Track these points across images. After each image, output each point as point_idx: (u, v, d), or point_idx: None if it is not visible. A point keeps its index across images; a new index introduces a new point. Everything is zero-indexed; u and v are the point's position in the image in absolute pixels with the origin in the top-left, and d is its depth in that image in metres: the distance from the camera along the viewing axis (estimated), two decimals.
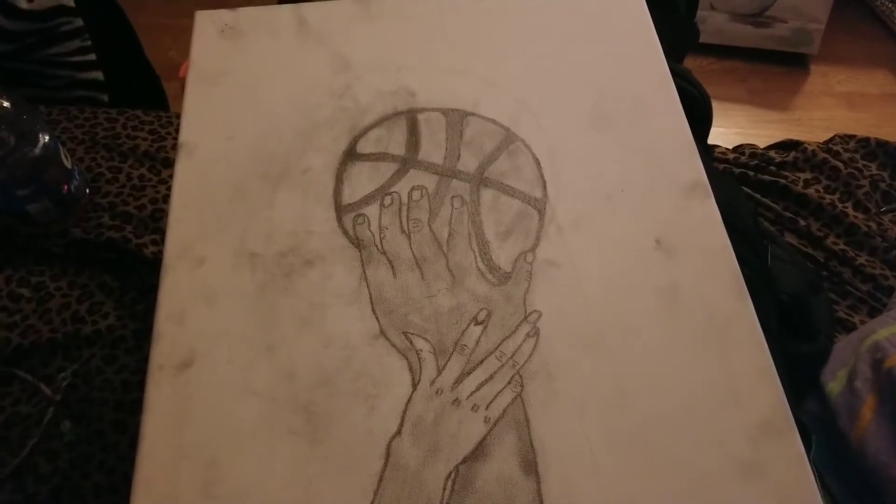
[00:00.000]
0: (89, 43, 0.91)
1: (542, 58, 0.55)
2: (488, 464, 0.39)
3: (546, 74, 0.54)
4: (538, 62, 0.54)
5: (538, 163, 0.49)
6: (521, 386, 0.41)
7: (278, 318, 0.43)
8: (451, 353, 0.42)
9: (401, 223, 0.47)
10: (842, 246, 0.86)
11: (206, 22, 0.56)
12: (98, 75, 0.93)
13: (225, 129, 0.51)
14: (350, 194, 0.48)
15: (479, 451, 0.39)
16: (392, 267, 0.45)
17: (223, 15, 0.56)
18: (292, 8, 0.57)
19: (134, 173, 0.79)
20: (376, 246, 0.46)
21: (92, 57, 0.92)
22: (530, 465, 0.39)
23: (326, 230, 0.47)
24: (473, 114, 0.52)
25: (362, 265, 0.45)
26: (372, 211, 0.48)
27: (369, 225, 0.47)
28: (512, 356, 0.42)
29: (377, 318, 0.43)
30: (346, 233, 0.47)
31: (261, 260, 0.45)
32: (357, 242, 0.46)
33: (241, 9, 0.57)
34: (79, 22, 0.89)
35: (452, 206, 0.48)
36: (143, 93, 1.07)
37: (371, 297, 0.44)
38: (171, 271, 0.44)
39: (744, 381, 0.41)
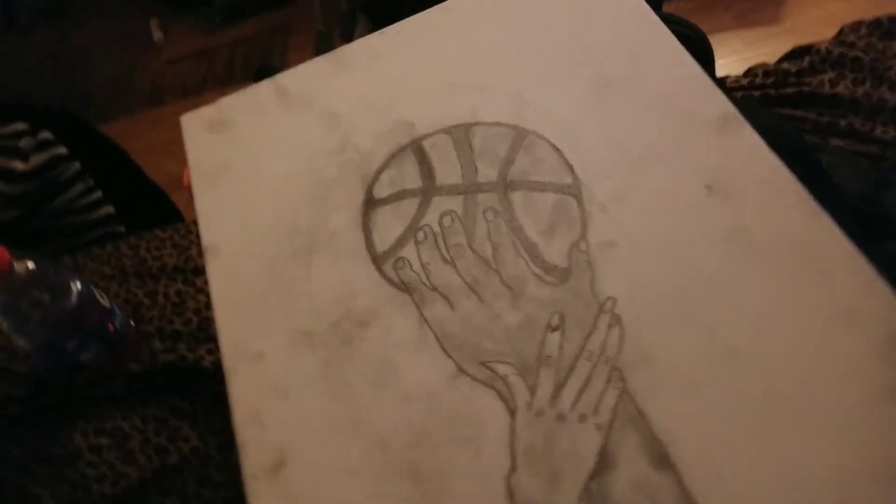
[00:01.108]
0: (92, 182, 0.92)
1: (526, 48, 0.53)
2: (617, 472, 0.36)
3: (534, 62, 0.52)
4: (523, 53, 0.52)
5: (557, 149, 0.47)
6: (623, 380, 0.38)
7: (352, 388, 0.41)
8: (538, 369, 0.40)
9: (441, 254, 0.45)
10: (892, 133, 0.82)
11: (192, 123, 0.56)
12: (109, 210, 0.95)
13: (242, 220, 0.50)
14: (382, 242, 0.47)
15: (603, 462, 0.36)
16: (447, 300, 0.43)
17: (206, 112, 0.56)
18: (269, 82, 0.56)
19: (170, 291, 0.79)
20: (425, 284, 0.44)
21: (99, 195, 0.93)
22: (663, 459, 0.36)
23: (370, 285, 0.45)
24: (476, 123, 0.50)
25: (417, 308, 0.43)
26: (409, 251, 0.46)
27: (411, 266, 0.45)
28: (602, 352, 0.39)
29: (450, 357, 0.41)
30: (390, 281, 0.45)
31: (316, 337, 0.43)
32: (405, 287, 0.44)
33: (221, 100, 0.56)
34: (76, 166, 0.90)
35: (486, 220, 0.45)
36: (156, 212, 1.08)
37: (437, 337, 0.42)
38: (235, 375, 0.43)
39: (854, 300, 0.37)
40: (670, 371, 0.38)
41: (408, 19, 0.57)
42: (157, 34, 2.25)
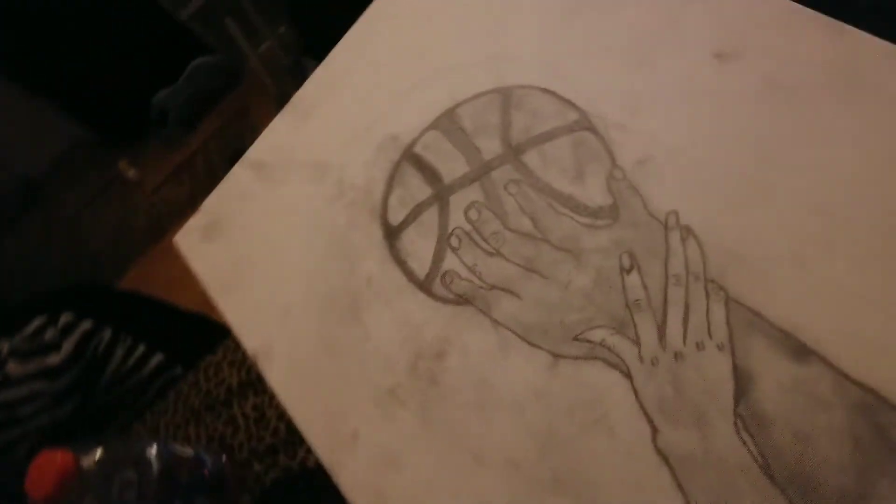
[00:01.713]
0: (131, 340, 0.92)
1: (467, 10, 0.49)
2: (762, 384, 0.32)
3: (484, 19, 0.48)
4: (468, 17, 0.49)
5: (548, 91, 0.44)
6: (722, 288, 0.35)
7: (458, 424, 0.38)
8: (633, 318, 0.36)
9: (483, 249, 0.42)
10: None
11: (187, 241, 0.54)
12: (159, 358, 0.94)
13: (275, 310, 0.48)
14: (421, 266, 0.44)
15: (742, 381, 0.33)
16: (510, 292, 0.40)
17: (195, 223, 0.54)
18: (241, 165, 0.54)
19: (246, 410, 0.77)
20: (481, 287, 0.41)
21: (142, 349, 0.93)
22: (800, 350, 0.32)
23: (429, 313, 0.42)
24: (457, 105, 0.47)
25: (484, 314, 0.40)
26: (451, 262, 0.43)
27: (459, 276, 0.42)
28: (688, 271, 0.36)
29: (539, 348, 0.38)
30: (446, 300, 0.42)
31: (401, 389, 0.41)
32: (462, 299, 0.41)
33: (204, 203, 0.54)
34: (108, 333, 0.89)
35: (511, 193, 0.42)
36: (202, 337, 1.07)
37: (517, 334, 0.39)
38: (339, 467, 0.40)
39: None
40: (766, 258, 0.34)
41: (341, 42, 0.54)
42: (131, 172, 2.28)
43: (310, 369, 0.45)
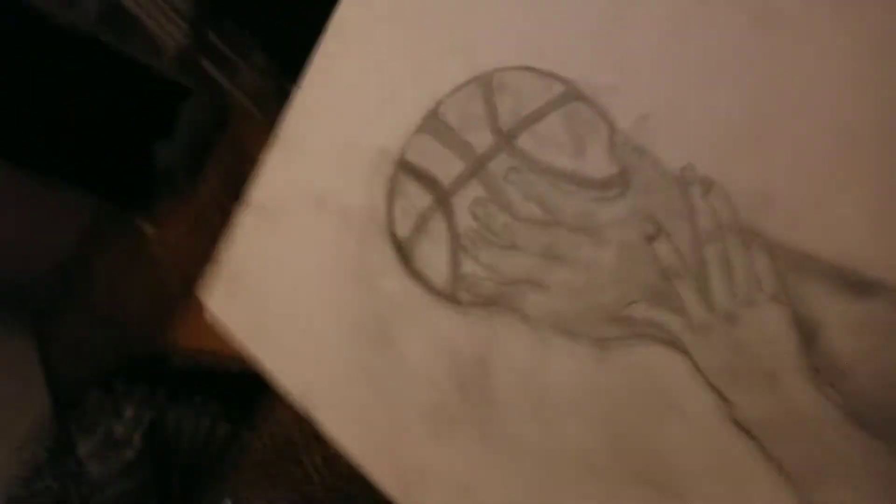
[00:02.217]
0: (193, 414, 0.91)
1: (426, 15, 0.47)
2: (828, 329, 0.30)
3: (444, 14, 0.45)
4: (429, 24, 0.46)
5: (528, 68, 0.41)
6: (759, 234, 0.32)
7: (520, 437, 0.36)
8: (672, 287, 0.33)
9: (496, 244, 0.40)
10: None
11: (213, 297, 0.53)
12: (226, 428, 0.93)
13: (308, 349, 0.47)
14: (439, 275, 0.42)
15: (807, 332, 0.30)
16: (534, 283, 0.38)
17: (213, 279, 0.53)
18: (244, 210, 0.53)
19: (315, 460, 0.77)
20: (503, 284, 0.39)
21: (207, 422, 0.92)
22: (861, 284, 0.29)
23: (460, 322, 0.40)
24: (439, 103, 0.44)
25: (514, 311, 0.38)
26: (468, 265, 0.41)
27: (480, 277, 0.40)
28: (718, 225, 0.33)
29: (581, 334, 0.36)
30: (473, 303, 0.40)
31: (453, 409, 0.39)
32: (489, 299, 0.39)
33: (220, 256, 0.54)
34: (171, 415, 0.89)
35: (512, 182, 0.40)
36: (257, 388, 1.07)
37: (553, 325, 0.37)
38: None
39: None
40: (798, 193, 0.31)
41: (312, 64, 0.52)
42: (149, 229, 2.30)
43: (355, 405, 0.43)
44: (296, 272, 0.50)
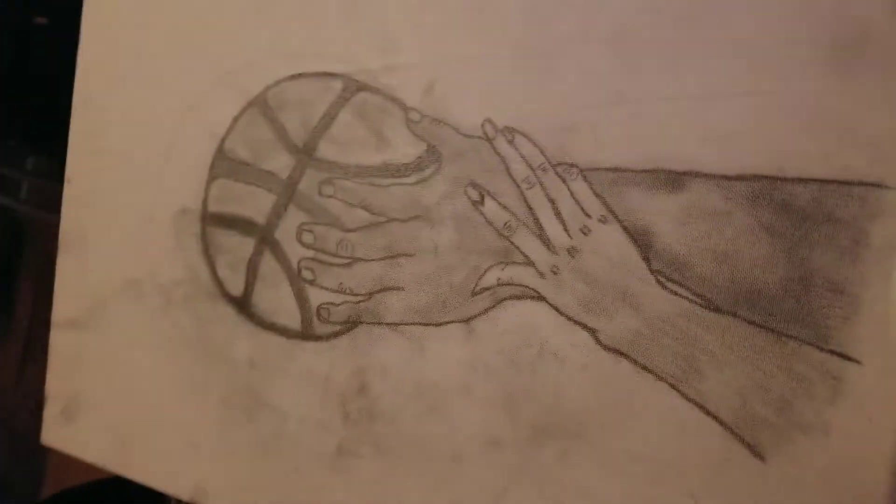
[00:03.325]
0: None
1: (174, 56, 0.43)
2: (659, 230, 0.31)
3: (193, 49, 0.42)
4: (182, 63, 0.43)
5: (300, 75, 0.39)
6: (573, 165, 0.32)
7: (419, 438, 0.35)
8: (512, 243, 0.33)
9: (338, 265, 0.37)
10: None
11: (54, 435, 0.46)
12: None
13: (186, 452, 0.42)
14: (291, 317, 0.39)
15: (642, 241, 0.31)
16: (389, 288, 0.36)
17: (49, 414, 0.47)
18: (54, 330, 0.47)
19: None
20: (360, 301, 0.37)
21: None
22: (673, 179, 0.31)
23: (327, 356, 0.38)
24: (223, 143, 0.41)
25: (379, 324, 0.37)
26: (317, 295, 0.38)
27: (333, 303, 0.38)
28: (532, 169, 0.33)
29: (448, 322, 0.35)
30: (334, 334, 0.38)
31: (347, 442, 0.36)
32: (350, 323, 0.37)
33: (46, 392, 0.47)
34: None
35: (329, 196, 0.38)
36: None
37: (420, 322, 0.36)
38: None
39: None
40: (591, 114, 0.32)
41: (68, 150, 0.46)
42: None
43: (257, 485, 0.40)
44: (137, 371, 0.44)
